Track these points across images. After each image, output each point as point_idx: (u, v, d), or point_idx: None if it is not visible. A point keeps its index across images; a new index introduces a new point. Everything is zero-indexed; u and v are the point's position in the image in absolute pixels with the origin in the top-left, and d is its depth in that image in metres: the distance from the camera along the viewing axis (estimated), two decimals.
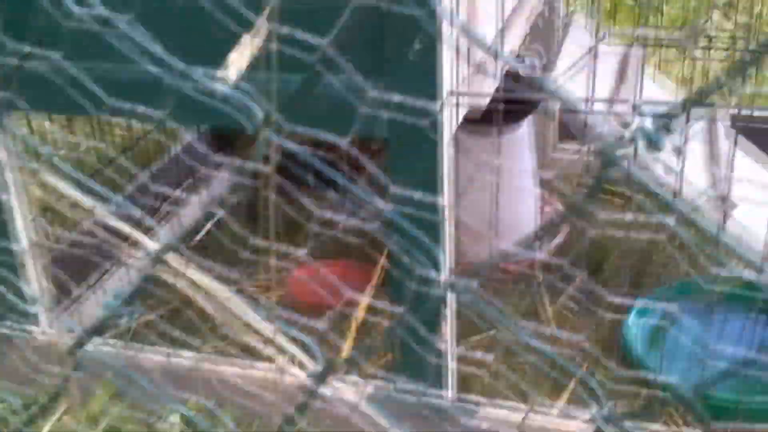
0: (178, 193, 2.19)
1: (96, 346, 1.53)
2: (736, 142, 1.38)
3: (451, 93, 1.10)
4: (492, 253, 1.84)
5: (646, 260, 1.94)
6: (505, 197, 1.81)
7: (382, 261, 1.95)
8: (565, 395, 1.59)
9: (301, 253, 1.82)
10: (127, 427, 1.46)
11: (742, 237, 1.43)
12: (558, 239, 2.04)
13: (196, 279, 0.72)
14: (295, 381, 1.40)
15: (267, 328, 1.09)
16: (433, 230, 1.18)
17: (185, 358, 1.50)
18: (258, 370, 1.47)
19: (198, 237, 2.12)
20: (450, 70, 1.11)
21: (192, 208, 2.15)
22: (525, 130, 1.94)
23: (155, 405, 1.48)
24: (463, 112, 1.23)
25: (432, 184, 1.17)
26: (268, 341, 1.04)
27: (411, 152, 1.15)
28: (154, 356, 1.49)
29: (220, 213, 2.20)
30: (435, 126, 1.13)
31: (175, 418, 1.38)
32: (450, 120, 1.16)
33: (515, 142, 1.89)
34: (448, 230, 1.23)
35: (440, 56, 1.06)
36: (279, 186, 1.48)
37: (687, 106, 0.46)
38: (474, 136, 1.77)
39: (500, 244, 1.86)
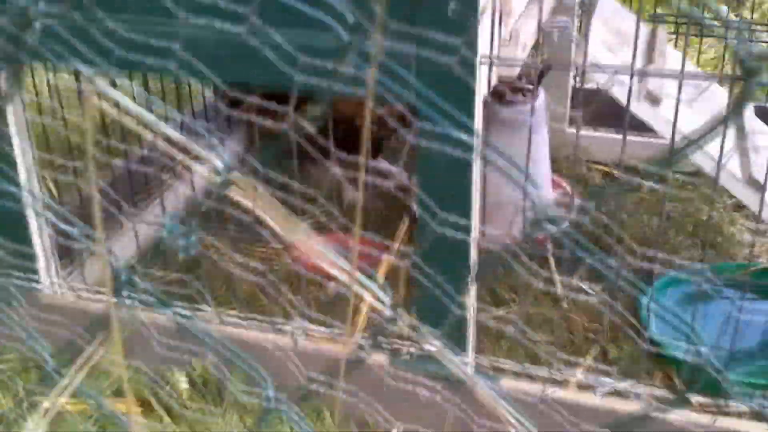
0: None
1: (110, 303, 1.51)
2: None
3: (487, 57, 1.08)
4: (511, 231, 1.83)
5: (655, 246, 1.92)
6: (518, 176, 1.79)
7: (405, 225, 1.93)
8: (584, 365, 1.59)
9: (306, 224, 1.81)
10: (133, 387, 1.45)
11: None
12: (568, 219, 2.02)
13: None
14: (312, 347, 1.38)
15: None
16: (463, 195, 1.16)
17: (200, 318, 1.49)
18: (274, 333, 1.46)
19: (210, 201, 2.10)
20: (487, 34, 1.09)
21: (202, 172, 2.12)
22: (541, 105, 1.92)
23: (164, 365, 1.46)
24: (493, 80, 1.20)
25: (463, 162, 1.15)
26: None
27: (442, 120, 1.13)
28: (167, 315, 1.47)
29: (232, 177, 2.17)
30: (468, 91, 1.10)
31: (182, 379, 1.36)
32: (481, 86, 1.13)
33: (526, 120, 1.86)
34: (477, 196, 1.21)
35: (479, 16, 1.04)
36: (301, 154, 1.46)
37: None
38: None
39: (512, 222, 1.85)
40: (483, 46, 1.10)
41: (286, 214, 1.09)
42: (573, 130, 2.30)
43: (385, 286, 0.61)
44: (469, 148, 1.12)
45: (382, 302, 0.57)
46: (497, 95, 1.86)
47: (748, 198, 1.42)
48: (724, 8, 2.30)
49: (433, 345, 1.20)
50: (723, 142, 1.48)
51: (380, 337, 0.59)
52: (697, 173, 2.14)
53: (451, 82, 1.10)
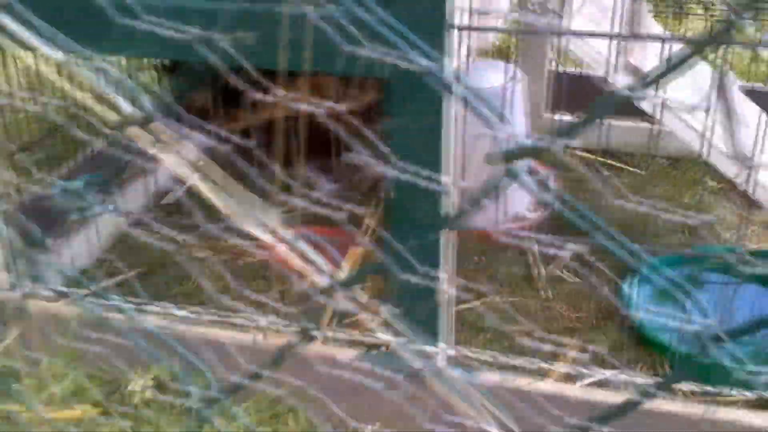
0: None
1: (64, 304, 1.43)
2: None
3: (459, 28, 1.01)
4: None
5: (639, 232, 1.87)
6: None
7: (375, 217, 1.87)
8: (566, 357, 1.52)
9: (275, 217, 1.73)
10: (91, 388, 1.37)
11: None
12: (547, 208, 1.96)
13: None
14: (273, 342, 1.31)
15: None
16: (435, 168, 1.09)
17: (158, 317, 1.41)
18: (231, 331, 1.38)
19: (171, 199, 2.02)
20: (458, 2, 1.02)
21: (165, 169, 2.04)
22: (518, 84, 1.85)
23: (122, 366, 1.38)
24: (464, 50, 1.13)
25: (436, 133, 1.08)
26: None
27: (413, 93, 1.05)
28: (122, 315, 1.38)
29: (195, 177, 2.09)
30: (440, 63, 1.03)
31: (144, 380, 1.29)
32: (456, 57, 1.06)
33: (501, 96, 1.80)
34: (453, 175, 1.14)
35: None
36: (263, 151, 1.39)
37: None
38: None
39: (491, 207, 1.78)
40: (456, 15, 1.03)
41: (248, 200, 1.02)
42: (551, 115, 2.23)
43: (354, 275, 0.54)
44: (438, 79, 1.05)
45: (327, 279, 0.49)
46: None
47: (735, 174, 1.35)
48: None
49: (397, 336, 1.13)
50: (708, 118, 1.42)
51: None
52: (681, 158, 2.09)
53: (422, 13, 1.03)
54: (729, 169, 1.35)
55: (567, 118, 2.16)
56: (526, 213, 1.94)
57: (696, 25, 2.75)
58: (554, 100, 2.23)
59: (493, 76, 1.83)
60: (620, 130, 2.09)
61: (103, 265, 1.76)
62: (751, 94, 1.92)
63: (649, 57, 1.44)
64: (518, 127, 1.90)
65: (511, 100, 1.85)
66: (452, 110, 1.08)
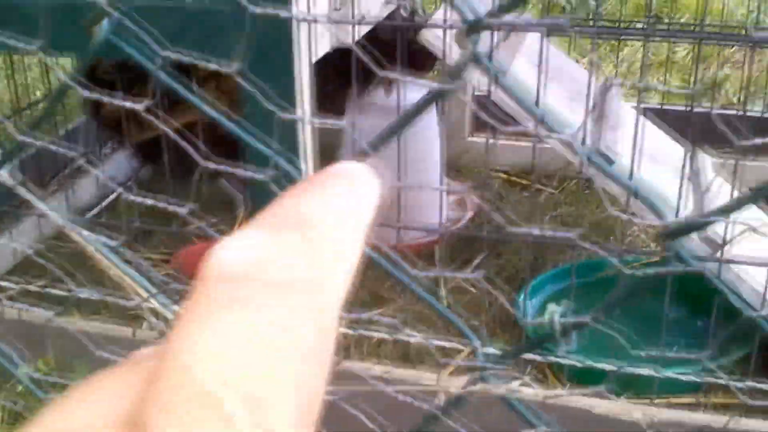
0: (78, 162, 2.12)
1: None
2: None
3: (304, 19, 1.06)
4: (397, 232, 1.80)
5: (546, 245, 1.91)
6: (409, 176, 1.78)
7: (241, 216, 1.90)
8: (459, 357, 1.56)
9: (190, 228, 1.77)
10: None
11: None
12: (463, 221, 2.01)
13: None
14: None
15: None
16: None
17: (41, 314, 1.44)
18: (118, 326, 1.41)
19: (95, 211, 2.06)
20: None
21: (88, 183, 2.08)
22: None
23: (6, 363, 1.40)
24: (326, 44, 1.18)
25: (291, 129, 1.13)
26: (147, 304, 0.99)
27: (263, 82, 1.10)
28: (5, 314, 1.42)
29: (119, 189, 2.14)
30: (288, 53, 1.08)
31: (23, 375, 1.31)
32: (304, 49, 1.11)
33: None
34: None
35: None
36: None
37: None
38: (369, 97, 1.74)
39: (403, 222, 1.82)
40: (302, 6, 1.08)
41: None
42: (473, 138, 2.29)
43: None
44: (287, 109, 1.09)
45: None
46: (386, 82, 1.85)
47: (598, 177, 1.40)
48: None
49: None
50: (585, 130, 1.47)
51: None
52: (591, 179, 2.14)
53: (270, 41, 1.08)
54: (603, 181, 1.39)
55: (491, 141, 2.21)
56: (437, 226, 1.98)
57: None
58: (476, 123, 2.29)
59: (408, 93, 1.88)
60: (540, 151, 2.14)
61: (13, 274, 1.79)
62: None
63: (621, 139, 1.46)
64: (433, 145, 1.95)
65: (424, 118, 1.90)
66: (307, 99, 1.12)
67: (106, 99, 0.46)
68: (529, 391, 0.49)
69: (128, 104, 0.46)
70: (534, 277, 1.75)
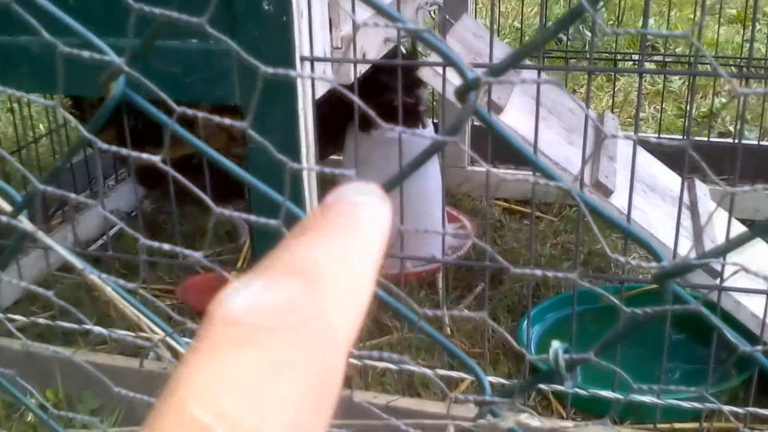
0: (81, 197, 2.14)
1: None
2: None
3: (305, 59, 1.09)
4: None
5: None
6: (409, 207, 1.80)
7: (246, 248, 1.92)
8: (462, 387, 1.57)
9: (196, 258, 1.79)
10: None
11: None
12: (463, 250, 2.02)
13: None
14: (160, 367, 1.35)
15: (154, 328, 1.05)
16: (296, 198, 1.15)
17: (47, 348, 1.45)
18: (124, 358, 1.42)
19: (99, 242, 2.08)
20: (308, 34, 1.10)
21: (93, 215, 2.10)
22: (427, 133, 1.93)
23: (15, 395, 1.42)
24: (327, 84, 1.21)
25: (292, 153, 1.15)
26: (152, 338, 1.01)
27: (267, 123, 1.12)
28: (14, 346, 1.43)
29: (120, 223, 2.16)
30: (291, 95, 1.10)
31: (33, 405, 1.32)
32: (308, 90, 1.13)
33: (414, 145, 1.87)
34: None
35: (293, 14, 1.05)
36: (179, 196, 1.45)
37: None
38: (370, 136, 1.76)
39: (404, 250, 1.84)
40: (305, 48, 1.10)
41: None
42: (473, 168, 2.32)
43: None
44: (293, 153, 1.12)
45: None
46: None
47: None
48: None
49: None
50: (584, 159, 1.49)
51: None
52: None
53: (273, 82, 1.10)
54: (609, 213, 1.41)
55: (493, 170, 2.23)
56: (439, 256, 1.99)
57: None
58: (475, 153, 2.31)
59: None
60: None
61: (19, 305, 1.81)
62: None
63: (617, 172, 1.48)
64: (432, 175, 1.98)
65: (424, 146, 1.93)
66: (308, 136, 1.15)
67: (124, 152, 0.48)
68: (537, 423, 0.51)
69: (144, 156, 0.48)
70: (536, 304, 1.76)
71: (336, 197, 0.28)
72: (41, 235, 0.49)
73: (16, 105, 2.07)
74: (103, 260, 1.82)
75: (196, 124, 1.41)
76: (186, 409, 0.21)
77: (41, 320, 1.07)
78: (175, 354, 0.60)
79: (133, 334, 0.74)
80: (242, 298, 0.24)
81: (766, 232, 0.43)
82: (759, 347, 0.48)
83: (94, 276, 0.51)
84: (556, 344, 0.50)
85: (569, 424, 0.53)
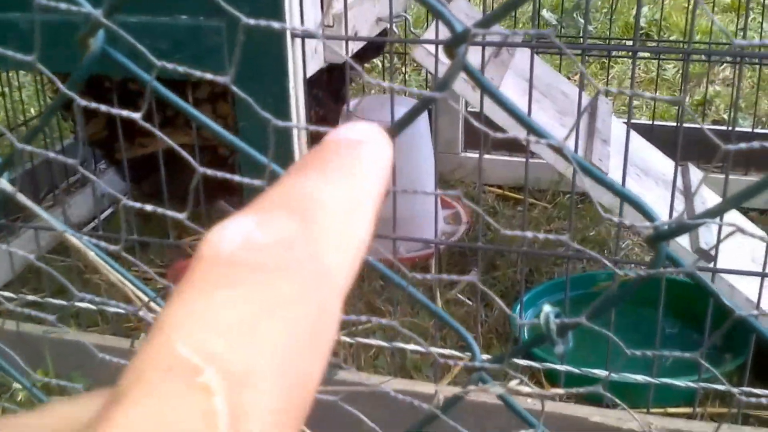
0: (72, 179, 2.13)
1: None
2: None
3: (296, 35, 1.07)
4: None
5: (540, 258, 1.92)
6: (402, 193, 1.79)
7: None
8: (455, 371, 1.56)
9: (185, 242, 1.77)
10: None
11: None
12: (457, 235, 2.02)
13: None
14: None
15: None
16: None
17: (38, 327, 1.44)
18: (115, 338, 1.41)
19: (91, 225, 2.07)
20: (298, 11, 1.09)
21: (83, 198, 2.09)
22: (421, 118, 1.92)
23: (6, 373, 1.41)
24: (318, 63, 1.20)
25: (283, 133, 1.13)
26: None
27: (257, 102, 1.11)
28: (4, 326, 1.42)
29: (110, 208, 2.14)
30: (281, 73, 1.09)
31: (24, 384, 1.31)
32: (299, 68, 1.12)
33: (407, 129, 1.86)
34: None
35: None
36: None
37: None
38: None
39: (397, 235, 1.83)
40: (296, 25, 1.09)
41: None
42: (466, 154, 2.31)
43: None
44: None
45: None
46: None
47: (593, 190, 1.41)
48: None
49: None
50: (576, 142, 1.48)
51: None
52: (586, 193, 2.16)
53: (264, 59, 1.09)
54: (600, 194, 1.41)
55: (487, 156, 2.23)
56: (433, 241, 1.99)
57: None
58: (468, 139, 2.30)
59: (399, 109, 1.90)
60: (530, 166, 2.16)
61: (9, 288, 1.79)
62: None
63: (611, 155, 1.48)
64: (426, 160, 1.97)
65: (416, 133, 1.92)
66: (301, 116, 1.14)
67: (104, 108, 0.47)
68: (527, 390, 0.50)
69: (125, 113, 0.47)
70: (529, 290, 1.76)
71: (336, 135, 0.26)
72: (21, 197, 0.48)
73: (6, 89, 2.06)
74: (93, 242, 1.81)
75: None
76: (173, 350, 0.20)
77: (31, 297, 1.06)
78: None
79: (123, 304, 0.73)
80: (233, 235, 0.22)
81: (761, 189, 0.42)
82: (755, 311, 0.47)
83: (72, 238, 0.50)
84: (547, 308, 0.49)
85: (560, 391, 0.52)
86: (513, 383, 0.51)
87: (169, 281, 1.80)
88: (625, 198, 0.46)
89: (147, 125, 0.47)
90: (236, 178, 0.47)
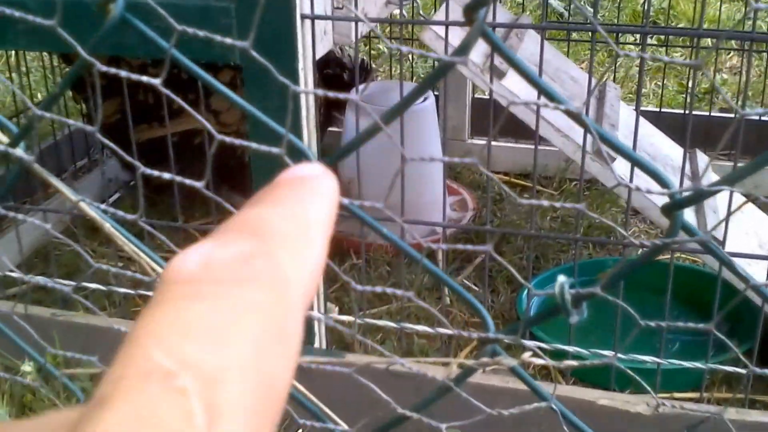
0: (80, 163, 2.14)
1: None
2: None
3: (305, 16, 1.07)
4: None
5: (547, 244, 1.92)
6: (409, 177, 1.79)
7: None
8: (462, 355, 1.57)
9: (195, 226, 1.78)
10: None
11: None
12: (465, 221, 2.02)
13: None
14: None
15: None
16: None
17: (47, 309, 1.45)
18: (124, 321, 1.42)
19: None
20: None
21: (91, 183, 2.09)
22: (430, 105, 1.92)
23: (13, 355, 1.42)
24: (327, 44, 1.20)
25: (294, 119, 1.14)
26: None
27: (266, 83, 1.11)
28: (15, 308, 1.43)
29: (118, 192, 2.15)
30: (291, 54, 1.09)
31: (28, 367, 1.32)
32: (309, 50, 1.12)
33: (415, 116, 1.86)
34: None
35: None
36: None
37: None
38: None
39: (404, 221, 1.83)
40: (305, 6, 1.09)
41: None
42: (473, 141, 2.31)
43: None
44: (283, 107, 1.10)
45: None
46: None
47: (603, 175, 1.41)
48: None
49: None
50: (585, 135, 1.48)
51: None
52: (593, 180, 2.16)
53: (274, 40, 1.09)
54: (607, 178, 1.40)
55: (494, 143, 2.23)
56: (439, 228, 1.99)
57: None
58: (475, 125, 2.30)
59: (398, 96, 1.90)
60: (540, 153, 2.16)
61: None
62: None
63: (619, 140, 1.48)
64: (433, 147, 1.97)
65: (424, 120, 1.92)
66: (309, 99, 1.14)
67: (123, 74, 0.47)
68: (540, 362, 0.50)
69: (144, 78, 0.46)
70: (535, 276, 1.76)
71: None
72: (38, 167, 0.48)
73: (15, 75, 2.06)
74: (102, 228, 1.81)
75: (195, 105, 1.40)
76: (149, 357, 0.21)
77: (39, 279, 1.06)
78: None
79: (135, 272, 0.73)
80: (194, 257, 0.24)
81: None
82: (766, 281, 0.48)
83: (88, 208, 0.50)
84: (562, 278, 0.49)
85: (573, 363, 0.52)
86: (526, 355, 0.51)
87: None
88: (640, 164, 0.46)
89: (164, 90, 0.47)
90: (252, 145, 0.47)
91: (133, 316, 1.55)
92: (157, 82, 0.46)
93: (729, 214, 1.05)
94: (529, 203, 0.49)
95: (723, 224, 1.46)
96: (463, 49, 0.43)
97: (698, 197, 0.45)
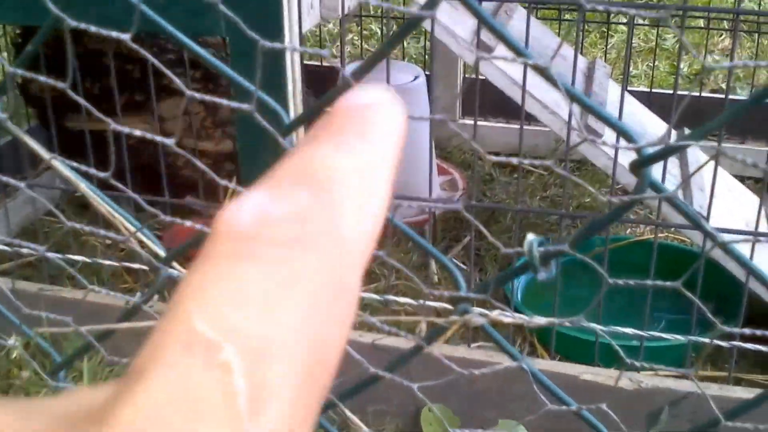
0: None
1: None
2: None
3: None
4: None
5: (535, 223, 1.93)
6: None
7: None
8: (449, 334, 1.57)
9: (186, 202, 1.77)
10: None
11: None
12: (454, 200, 2.02)
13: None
14: None
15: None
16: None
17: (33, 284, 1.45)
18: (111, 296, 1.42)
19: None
20: None
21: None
22: (420, 84, 1.92)
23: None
24: (314, 19, 1.20)
25: (278, 90, 1.14)
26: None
27: (251, 58, 1.11)
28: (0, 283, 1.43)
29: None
30: (276, 27, 1.09)
31: (15, 341, 1.32)
32: (295, 24, 1.12)
33: (406, 95, 1.86)
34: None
35: None
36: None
37: None
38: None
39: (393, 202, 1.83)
40: None
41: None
42: (464, 121, 2.31)
43: None
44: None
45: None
46: None
47: (592, 153, 1.42)
48: None
49: None
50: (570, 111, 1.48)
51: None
52: (582, 160, 2.16)
53: (260, 14, 1.09)
54: (595, 155, 1.40)
55: (484, 123, 2.23)
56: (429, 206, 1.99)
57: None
58: (466, 105, 2.30)
59: (397, 75, 1.90)
60: (528, 133, 2.16)
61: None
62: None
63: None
64: (423, 126, 1.97)
65: (415, 99, 1.92)
66: (295, 70, 1.14)
67: (95, 29, 0.47)
68: (509, 320, 0.51)
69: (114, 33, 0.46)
70: (522, 255, 1.76)
71: (347, 101, 0.25)
72: (9, 124, 0.48)
73: None
74: (91, 206, 1.81)
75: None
76: (192, 326, 0.20)
77: (30, 246, 1.06)
78: (150, 251, 0.60)
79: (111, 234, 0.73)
80: (248, 210, 0.22)
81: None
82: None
83: (60, 166, 0.51)
84: (531, 236, 0.50)
85: (542, 320, 0.52)
86: (495, 313, 0.52)
87: (166, 245, 1.80)
88: (607, 121, 0.46)
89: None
90: (232, 104, 0.47)
91: (122, 293, 1.55)
92: (126, 37, 0.46)
93: (698, 168, 1.08)
94: (507, 161, 0.49)
95: (708, 200, 1.46)
96: (432, 3, 0.44)
97: (666, 153, 0.46)
